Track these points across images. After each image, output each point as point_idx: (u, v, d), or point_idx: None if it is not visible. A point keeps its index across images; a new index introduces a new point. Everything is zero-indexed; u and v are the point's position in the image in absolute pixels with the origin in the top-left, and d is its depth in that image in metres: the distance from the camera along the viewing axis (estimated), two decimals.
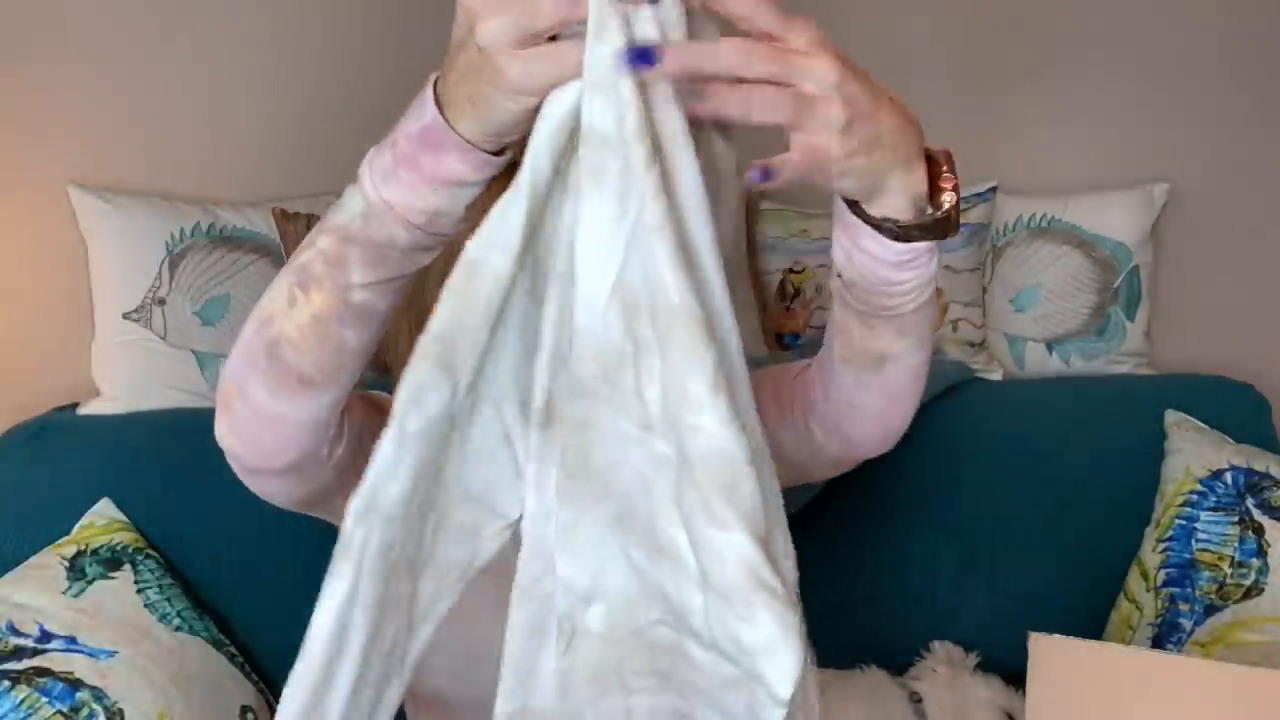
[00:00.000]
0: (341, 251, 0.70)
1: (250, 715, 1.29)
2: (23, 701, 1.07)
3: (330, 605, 0.61)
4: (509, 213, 0.58)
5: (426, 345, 0.60)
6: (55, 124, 1.57)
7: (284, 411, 0.76)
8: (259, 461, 0.79)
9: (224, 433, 0.79)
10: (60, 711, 1.08)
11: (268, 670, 1.40)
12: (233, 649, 1.34)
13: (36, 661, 1.12)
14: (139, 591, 1.29)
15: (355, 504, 0.61)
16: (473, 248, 0.59)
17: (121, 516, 1.36)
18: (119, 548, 1.33)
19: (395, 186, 0.66)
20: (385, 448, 0.61)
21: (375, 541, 0.61)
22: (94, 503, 1.36)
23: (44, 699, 1.08)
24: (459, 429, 0.63)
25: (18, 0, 1.53)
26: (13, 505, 1.37)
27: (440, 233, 0.69)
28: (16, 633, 1.16)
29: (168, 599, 1.31)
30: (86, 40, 1.57)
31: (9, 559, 1.30)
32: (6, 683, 1.08)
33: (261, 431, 0.77)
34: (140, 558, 1.33)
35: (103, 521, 1.35)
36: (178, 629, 1.28)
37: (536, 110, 0.59)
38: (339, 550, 0.61)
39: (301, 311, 0.73)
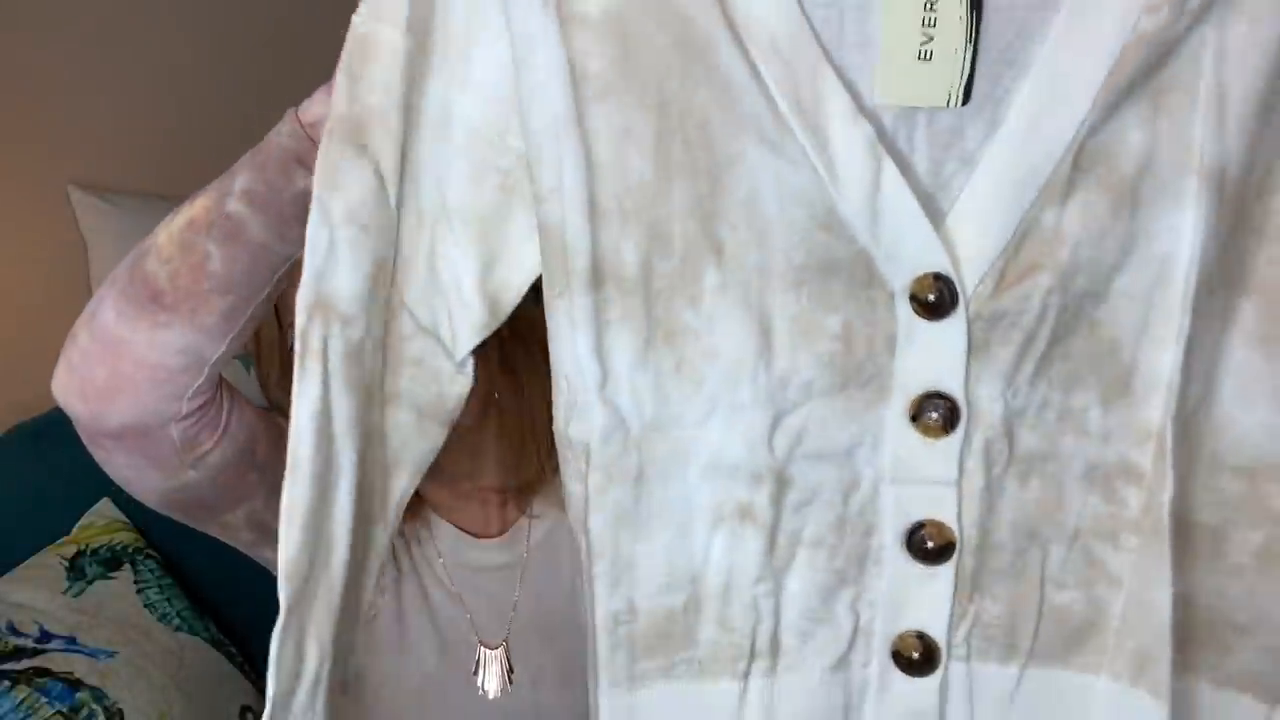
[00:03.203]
0: (240, 161, 0.70)
1: (250, 715, 1.29)
2: (22, 701, 1.07)
3: (306, 407, 0.54)
4: None
5: (330, 122, 0.53)
6: (55, 124, 1.57)
7: (127, 336, 0.71)
8: (94, 408, 0.73)
9: (60, 376, 0.74)
10: (60, 711, 1.08)
11: (268, 670, 1.39)
12: (233, 649, 1.34)
13: (36, 661, 1.12)
14: (139, 591, 1.29)
15: (300, 293, 0.54)
16: (358, 21, 0.53)
17: (121, 516, 1.36)
18: (119, 548, 1.33)
19: (308, 101, 0.68)
20: (310, 231, 0.54)
21: (337, 343, 0.54)
22: (94, 503, 1.36)
23: (44, 699, 1.08)
24: (403, 243, 0.56)
25: (18, 1, 1.53)
26: (13, 505, 1.37)
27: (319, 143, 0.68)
28: (16, 633, 1.16)
29: (168, 599, 1.31)
30: (87, 40, 1.57)
31: (9, 559, 1.30)
32: (6, 683, 1.08)
33: (98, 364, 0.72)
34: (140, 558, 1.33)
35: (103, 521, 1.35)
36: (178, 629, 1.28)
37: None
38: (298, 349, 0.54)
39: (179, 219, 0.71)
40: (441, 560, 0.97)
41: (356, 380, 0.55)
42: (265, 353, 0.94)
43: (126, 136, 1.60)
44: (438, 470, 0.94)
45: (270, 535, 0.92)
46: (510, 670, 0.93)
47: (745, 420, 0.54)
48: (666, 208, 0.52)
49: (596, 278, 0.53)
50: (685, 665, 0.58)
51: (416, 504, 0.99)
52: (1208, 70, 0.48)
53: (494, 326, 0.56)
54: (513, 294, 0.56)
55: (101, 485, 1.37)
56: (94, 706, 1.10)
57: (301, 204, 0.69)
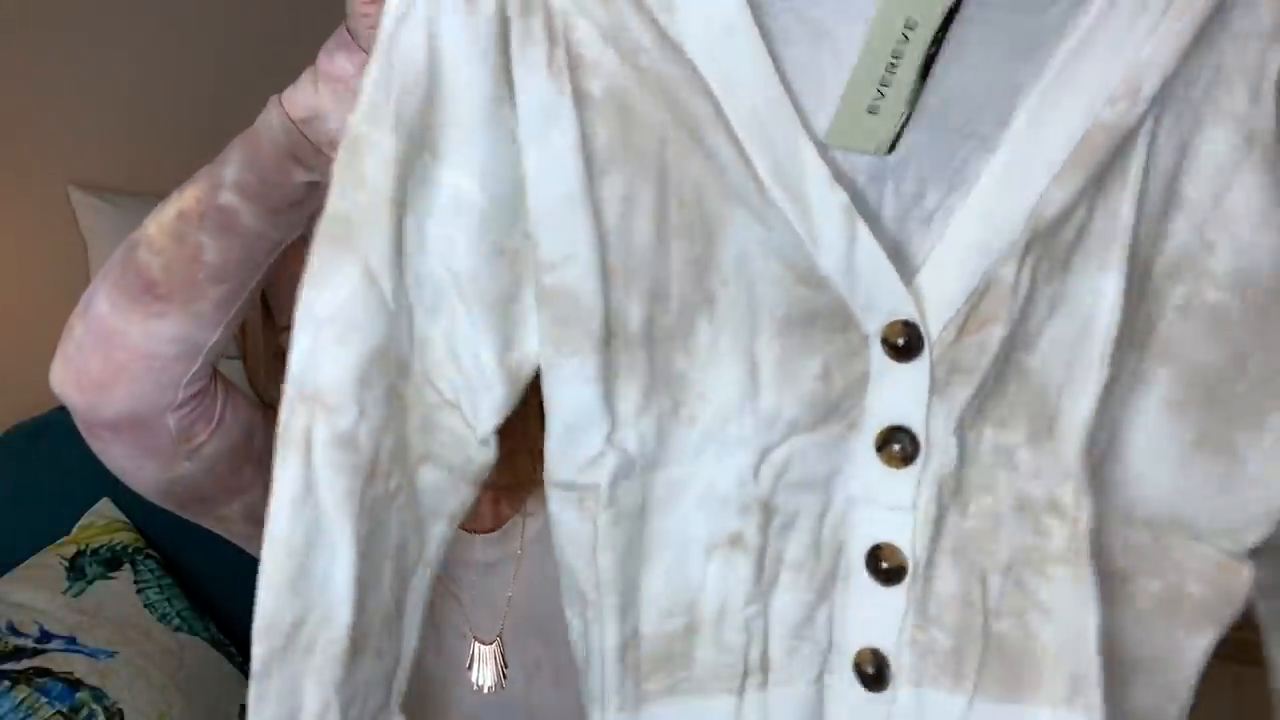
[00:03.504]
0: (227, 151, 0.70)
1: None
2: (22, 701, 1.07)
3: (282, 490, 0.57)
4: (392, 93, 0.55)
5: (321, 221, 0.57)
6: (55, 124, 1.57)
7: (121, 327, 0.72)
8: (90, 398, 0.74)
9: (56, 368, 0.74)
10: (60, 711, 1.08)
11: None
12: (233, 649, 1.34)
13: (36, 661, 1.12)
14: (139, 591, 1.29)
15: (286, 386, 0.57)
16: (352, 122, 0.56)
17: (121, 516, 1.37)
18: (119, 548, 1.33)
19: (291, 87, 0.68)
20: (295, 330, 0.57)
21: (323, 431, 0.57)
22: (94, 503, 1.36)
23: (44, 699, 1.08)
24: (406, 320, 0.58)
25: (18, 1, 1.53)
26: (13, 505, 1.37)
27: (314, 141, 0.68)
28: (16, 633, 1.16)
29: (168, 599, 1.31)
30: (86, 40, 1.57)
31: (9, 559, 1.30)
32: (6, 683, 1.08)
33: (93, 354, 0.73)
34: (140, 558, 1.33)
35: (103, 521, 1.35)
36: (178, 629, 1.28)
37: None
38: (279, 434, 0.57)
39: (169, 209, 0.71)
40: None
41: (349, 464, 0.57)
42: (251, 350, 0.94)
43: (126, 136, 1.60)
44: None
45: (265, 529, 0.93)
46: (504, 666, 0.93)
47: (734, 455, 0.60)
48: (665, 266, 0.57)
49: (607, 336, 0.58)
50: (686, 683, 0.63)
51: None
52: (1141, 152, 0.55)
53: (514, 403, 0.59)
54: (529, 368, 0.59)
55: (101, 485, 1.37)
56: (94, 706, 1.10)
57: (294, 194, 0.70)
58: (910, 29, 0.53)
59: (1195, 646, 0.61)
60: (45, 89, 1.56)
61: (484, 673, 0.94)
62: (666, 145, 0.55)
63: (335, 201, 0.56)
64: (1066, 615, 0.60)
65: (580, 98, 0.54)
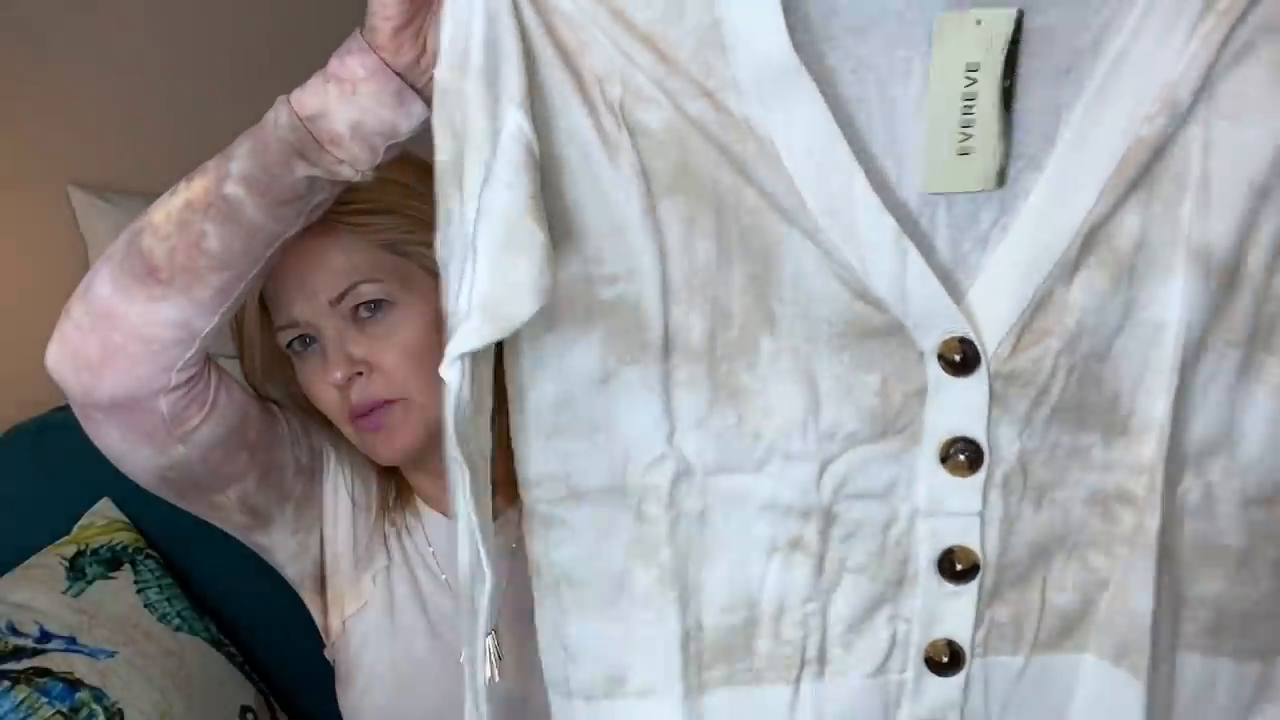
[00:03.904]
0: (235, 144, 0.72)
1: (250, 715, 1.29)
2: (23, 701, 1.07)
3: None
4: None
5: (436, 175, 0.60)
6: (55, 124, 1.57)
7: (121, 309, 0.74)
8: (85, 379, 0.76)
9: (53, 349, 0.77)
10: (60, 711, 1.08)
11: (268, 670, 1.40)
12: (233, 649, 1.34)
13: (36, 661, 1.12)
14: (139, 591, 1.29)
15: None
16: (439, 75, 0.58)
17: (121, 516, 1.36)
18: (119, 548, 1.33)
19: (301, 88, 0.70)
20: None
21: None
22: (94, 503, 1.36)
23: (44, 699, 1.08)
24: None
25: (17, 1, 1.53)
26: (13, 505, 1.37)
27: (318, 138, 0.70)
28: (16, 633, 1.16)
29: (168, 599, 1.31)
30: (87, 40, 1.57)
31: (9, 559, 1.30)
32: (6, 683, 1.08)
33: (91, 334, 0.75)
34: (140, 558, 1.33)
35: (103, 521, 1.35)
36: (178, 629, 1.28)
37: (409, 22, 0.66)
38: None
39: (177, 198, 0.74)
40: (431, 549, 0.98)
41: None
42: (248, 350, 0.95)
43: (126, 136, 1.60)
44: (427, 462, 0.96)
45: (263, 518, 0.93)
46: (499, 657, 0.94)
47: (797, 467, 0.63)
48: (727, 285, 0.60)
49: (668, 347, 0.61)
50: (745, 673, 0.66)
51: (406, 494, 1.00)
52: (1195, 162, 0.57)
53: (474, 344, 0.58)
54: (506, 321, 0.60)
55: (101, 485, 1.37)
56: (94, 706, 1.10)
57: (296, 188, 0.72)
58: (974, 71, 0.57)
59: None
60: (45, 89, 1.56)
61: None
62: (721, 173, 0.58)
63: (439, 153, 0.58)
64: (1124, 590, 0.64)
65: (636, 131, 0.57)
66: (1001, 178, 0.58)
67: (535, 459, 0.65)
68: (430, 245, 0.63)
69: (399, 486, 1.00)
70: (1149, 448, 0.62)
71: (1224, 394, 0.61)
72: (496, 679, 0.94)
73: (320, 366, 0.91)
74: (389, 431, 0.91)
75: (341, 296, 0.89)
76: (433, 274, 0.65)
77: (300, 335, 0.92)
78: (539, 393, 0.63)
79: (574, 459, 0.64)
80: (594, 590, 0.66)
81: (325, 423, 0.97)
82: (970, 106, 0.57)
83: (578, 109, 0.57)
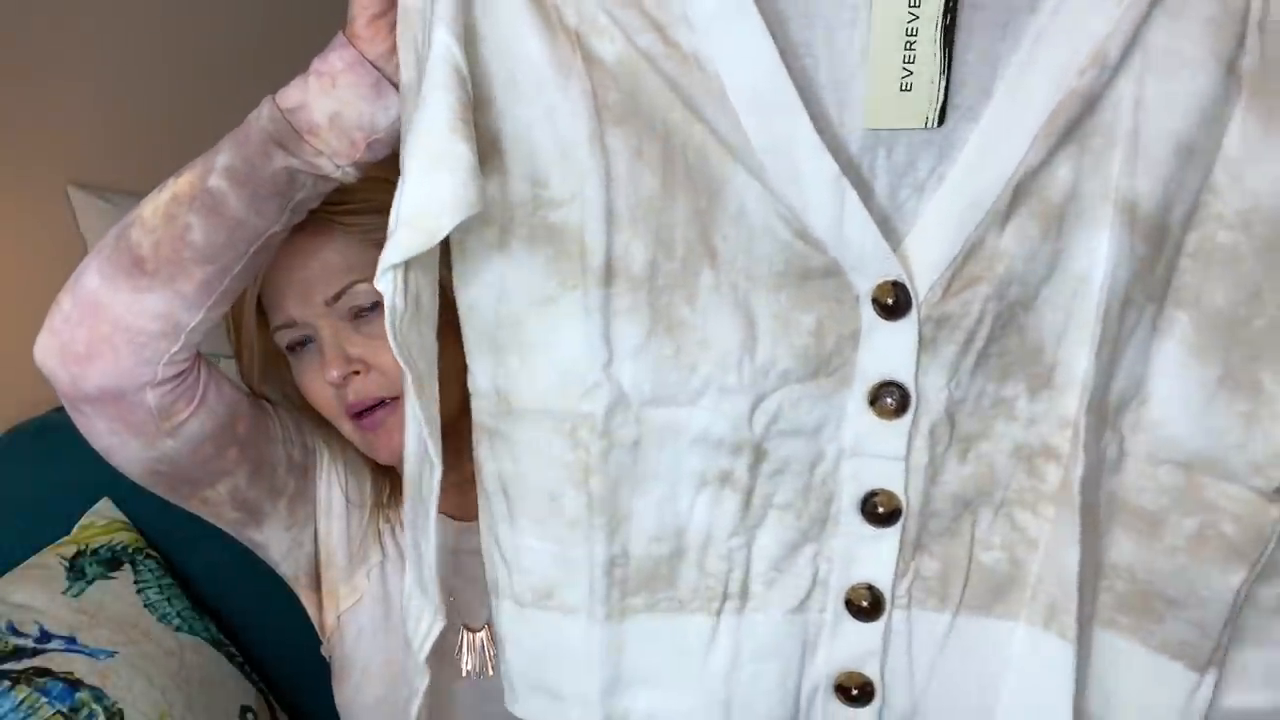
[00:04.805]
0: (222, 141, 0.74)
1: (250, 715, 1.29)
2: (22, 701, 1.07)
3: None
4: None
5: (400, 96, 0.63)
6: (55, 124, 1.57)
7: (107, 299, 0.76)
8: (73, 370, 0.78)
9: (42, 340, 0.79)
10: (60, 711, 1.08)
11: (268, 670, 1.40)
12: (233, 649, 1.34)
13: (36, 661, 1.12)
14: (139, 591, 1.29)
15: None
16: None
17: (121, 516, 1.36)
18: (119, 548, 1.33)
19: (287, 86, 0.72)
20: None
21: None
22: (94, 503, 1.36)
23: (44, 699, 1.08)
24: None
25: (17, 1, 1.53)
26: (13, 505, 1.37)
27: (296, 128, 0.72)
28: (16, 633, 1.16)
29: (168, 599, 1.31)
30: (87, 40, 1.57)
31: (9, 559, 1.30)
32: (6, 683, 1.08)
33: (79, 326, 0.77)
34: (140, 558, 1.33)
35: (103, 521, 1.35)
36: (178, 629, 1.28)
37: (386, 10, 0.66)
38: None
39: (164, 193, 0.76)
40: None
41: None
42: (245, 350, 0.96)
43: (126, 136, 1.60)
44: None
45: (256, 514, 0.93)
46: (492, 653, 0.94)
47: (730, 401, 0.63)
48: (670, 217, 0.60)
49: (609, 274, 0.61)
50: (667, 602, 0.68)
51: (400, 491, 1.00)
52: (1126, 117, 0.57)
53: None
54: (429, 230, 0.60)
55: (101, 485, 1.37)
56: (94, 706, 1.10)
57: (277, 179, 0.74)
58: (915, 6, 0.57)
59: (1228, 585, 0.64)
60: (45, 89, 1.56)
61: (471, 659, 0.96)
62: (671, 108, 0.58)
63: (403, 71, 0.61)
64: (1052, 549, 0.64)
65: (590, 59, 0.58)
66: (941, 117, 0.59)
67: (479, 372, 0.66)
68: None
69: (393, 483, 1.01)
70: (1072, 402, 0.62)
71: (1138, 349, 0.62)
72: (490, 673, 0.94)
73: (317, 365, 0.92)
74: (387, 430, 0.92)
75: (338, 296, 0.90)
76: None
77: (297, 335, 0.93)
78: (483, 308, 0.64)
79: (513, 377, 0.65)
80: (528, 505, 0.67)
81: (319, 421, 0.97)
82: (912, 43, 0.57)
83: (532, 32, 0.58)
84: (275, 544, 0.96)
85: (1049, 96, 0.57)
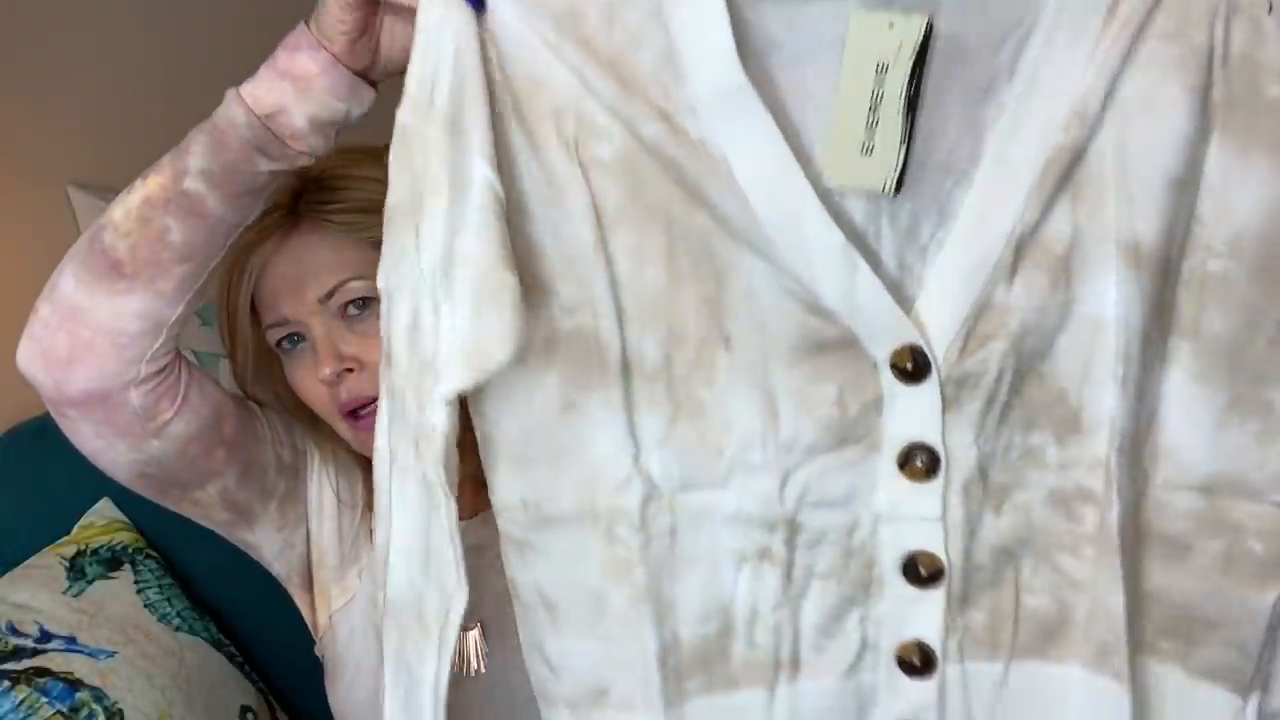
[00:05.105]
0: (189, 140, 0.75)
1: (250, 715, 1.29)
2: (22, 701, 1.07)
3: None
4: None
5: (385, 215, 0.63)
6: (55, 124, 1.57)
7: (86, 304, 0.77)
8: (56, 375, 0.78)
9: (24, 347, 0.79)
10: (60, 711, 1.08)
11: (268, 670, 1.40)
12: (233, 649, 1.34)
13: (36, 661, 1.12)
14: (139, 591, 1.29)
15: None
16: (400, 116, 0.61)
17: (121, 516, 1.36)
18: (119, 548, 1.33)
19: (251, 81, 0.74)
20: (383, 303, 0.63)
21: (391, 410, 0.64)
22: (94, 503, 1.36)
23: (44, 699, 1.08)
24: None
25: (17, 1, 1.53)
26: (13, 505, 1.37)
27: (279, 135, 0.72)
28: (16, 633, 1.16)
29: (168, 599, 1.31)
30: (87, 40, 1.57)
31: (9, 559, 1.30)
32: (6, 683, 1.08)
33: (59, 331, 0.77)
34: (140, 558, 1.33)
35: (103, 521, 1.35)
36: (178, 629, 1.28)
37: (365, 30, 0.69)
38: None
39: (134, 196, 0.76)
40: None
41: (404, 433, 0.64)
42: (240, 349, 0.96)
43: (126, 136, 1.60)
44: None
45: (246, 515, 0.93)
46: (485, 650, 0.94)
47: (758, 479, 0.64)
48: (680, 306, 0.62)
49: (626, 370, 0.63)
50: (722, 679, 0.68)
51: None
52: (1113, 163, 0.60)
53: (456, 388, 0.62)
54: (486, 369, 0.62)
55: (101, 485, 1.37)
56: (94, 706, 1.10)
57: (258, 181, 0.75)
58: (882, 72, 0.59)
59: (1263, 602, 0.64)
60: (45, 89, 1.56)
61: (466, 656, 0.96)
62: (672, 200, 0.60)
63: (394, 192, 0.62)
64: (1098, 593, 0.64)
65: (589, 164, 0.60)
66: (899, 185, 0.61)
67: (504, 487, 0.66)
68: None
69: None
70: (1102, 443, 0.63)
71: (1152, 381, 0.63)
72: (483, 669, 0.95)
73: (310, 364, 0.92)
74: None
75: (330, 294, 0.90)
76: None
77: (289, 334, 0.93)
78: (505, 425, 0.65)
79: (542, 487, 0.65)
80: (573, 610, 0.67)
81: (310, 422, 0.97)
82: (876, 108, 0.59)
83: (530, 155, 0.60)
84: (267, 545, 0.97)
85: (1037, 154, 0.59)
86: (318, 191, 0.93)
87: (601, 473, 0.64)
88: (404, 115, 0.60)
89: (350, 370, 0.91)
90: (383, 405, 0.64)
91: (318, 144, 0.74)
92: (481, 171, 0.58)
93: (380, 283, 0.62)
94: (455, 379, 0.59)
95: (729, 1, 0.58)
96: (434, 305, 0.60)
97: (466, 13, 0.58)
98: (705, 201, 0.60)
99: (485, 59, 0.59)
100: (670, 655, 0.67)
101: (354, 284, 0.90)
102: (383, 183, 0.92)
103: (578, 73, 0.59)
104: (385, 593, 0.66)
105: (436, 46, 0.59)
